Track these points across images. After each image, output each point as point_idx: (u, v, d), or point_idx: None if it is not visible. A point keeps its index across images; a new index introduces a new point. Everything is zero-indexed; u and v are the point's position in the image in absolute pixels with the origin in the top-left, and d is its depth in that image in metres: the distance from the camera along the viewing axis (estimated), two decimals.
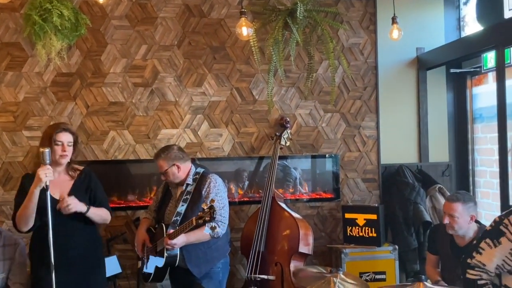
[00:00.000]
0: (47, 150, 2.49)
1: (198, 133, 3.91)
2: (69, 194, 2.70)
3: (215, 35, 3.94)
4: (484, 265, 1.86)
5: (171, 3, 3.88)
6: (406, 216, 3.95)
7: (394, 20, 3.63)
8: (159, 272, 3.02)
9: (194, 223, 2.71)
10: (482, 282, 1.86)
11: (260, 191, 3.92)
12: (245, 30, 3.24)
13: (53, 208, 2.54)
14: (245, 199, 3.96)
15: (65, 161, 2.70)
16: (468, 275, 1.92)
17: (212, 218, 2.65)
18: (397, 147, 4.23)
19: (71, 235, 2.68)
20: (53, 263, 2.43)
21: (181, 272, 2.97)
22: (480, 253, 1.87)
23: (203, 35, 3.92)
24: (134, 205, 3.78)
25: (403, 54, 4.26)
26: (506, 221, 1.85)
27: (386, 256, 3.75)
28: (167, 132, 3.87)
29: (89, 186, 2.78)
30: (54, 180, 2.59)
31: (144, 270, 3.16)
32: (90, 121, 3.77)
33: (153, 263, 3.06)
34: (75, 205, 2.62)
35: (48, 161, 2.48)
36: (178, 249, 2.88)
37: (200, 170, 3.15)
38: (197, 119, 3.91)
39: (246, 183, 3.99)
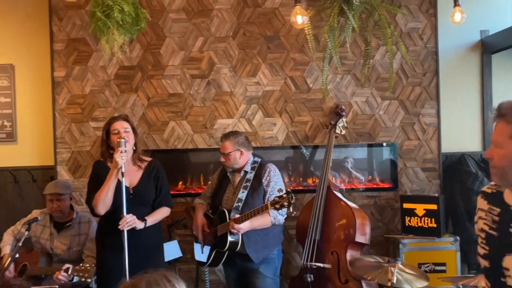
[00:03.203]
0: (123, 139, 2.69)
1: (253, 122, 3.97)
2: (139, 184, 2.84)
3: (269, 24, 3.95)
4: None
5: None
6: (468, 207, 3.81)
7: (456, 2, 3.46)
8: (216, 257, 3.11)
9: (270, 207, 2.77)
10: None
11: (315, 180, 3.92)
12: (299, 18, 3.23)
13: (125, 194, 2.70)
14: (300, 188, 3.98)
15: (128, 146, 2.78)
16: None
17: (291, 204, 2.69)
18: (459, 135, 4.07)
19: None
20: (126, 247, 2.60)
21: (237, 257, 3.05)
22: None
23: (257, 25, 3.95)
24: (193, 192, 3.91)
25: (466, 37, 4.07)
26: None
27: (447, 247, 3.64)
28: (223, 122, 3.95)
29: (156, 175, 2.91)
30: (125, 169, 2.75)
31: (197, 258, 3.26)
32: (151, 112, 3.93)
33: (207, 250, 3.16)
34: (134, 222, 2.70)
35: (124, 148, 2.67)
36: (240, 234, 2.95)
37: (258, 159, 3.20)
38: (251, 108, 3.96)
39: (300, 172, 4.00)
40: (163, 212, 2.93)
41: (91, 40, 3.87)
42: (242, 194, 3.02)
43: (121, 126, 2.81)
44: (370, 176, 4.03)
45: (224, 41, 3.94)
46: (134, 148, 2.86)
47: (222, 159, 3.14)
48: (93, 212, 2.85)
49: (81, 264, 2.90)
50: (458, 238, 3.67)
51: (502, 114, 1.45)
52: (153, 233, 2.88)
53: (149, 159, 2.98)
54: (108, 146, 2.83)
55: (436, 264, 3.62)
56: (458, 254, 3.63)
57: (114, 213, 2.73)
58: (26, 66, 3.98)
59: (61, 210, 3.25)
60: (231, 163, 3.12)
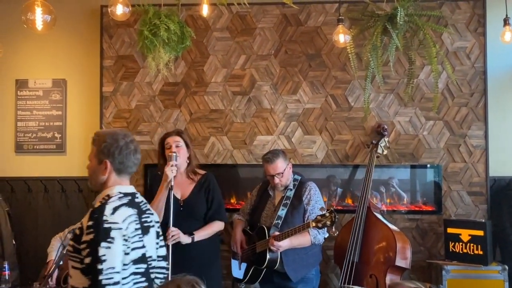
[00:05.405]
0: (174, 153, 2.77)
1: (292, 139, 3.96)
2: (190, 196, 2.87)
3: (311, 43, 3.96)
4: None
5: (269, 13, 4.00)
6: None
7: (506, 22, 3.36)
8: (254, 274, 3.09)
9: (311, 226, 2.76)
10: None
11: (355, 201, 3.84)
12: (342, 37, 3.24)
13: (175, 206, 2.75)
14: (339, 207, 3.91)
15: (180, 160, 2.84)
16: None
17: (333, 223, 2.66)
18: (509, 158, 3.89)
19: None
20: (169, 259, 2.59)
21: (275, 276, 3.02)
22: None
23: (299, 44, 3.97)
24: (230, 207, 3.92)
25: None
26: None
27: (494, 277, 3.45)
28: (263, 139, 3.97)
29: (207, 188, 2.93)
30: (177, 181, 2.81)
31: (234, 274, 3.24)
32: (193, 127, 4.01)
33: (244, 267, 3.15)
34: (178, 236, 2.71)
35: (174, 162, 2.75)
36: (279, 252, 2.92)
37: (298, 177, 3.19)
38: (291, 126, 3.96)
39: (340, 191, 3.94)
40: (214, 227, 2.91)
41: (139, 57, 4.02)
42: (282, 212, 3.01)
43: (173, 140, 2.89)
44: (412, 198, 3.90)
45: (266, 59, 3.98)
46: (188, 162, 2.91)
47: (277, 181, 3.06)
48: None
49: None
50: (506, 267, 3.48)
51: (93, 140, 1.91)
52: (207, 247, 2.87)
53: (203, 172, 3.00)
54: (165, 160, 2.88)
55: None
56: (506, 284, 3.43)
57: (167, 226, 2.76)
58: (77, 81, 4.18)
59: None
60: (285, 180, 3.09)
